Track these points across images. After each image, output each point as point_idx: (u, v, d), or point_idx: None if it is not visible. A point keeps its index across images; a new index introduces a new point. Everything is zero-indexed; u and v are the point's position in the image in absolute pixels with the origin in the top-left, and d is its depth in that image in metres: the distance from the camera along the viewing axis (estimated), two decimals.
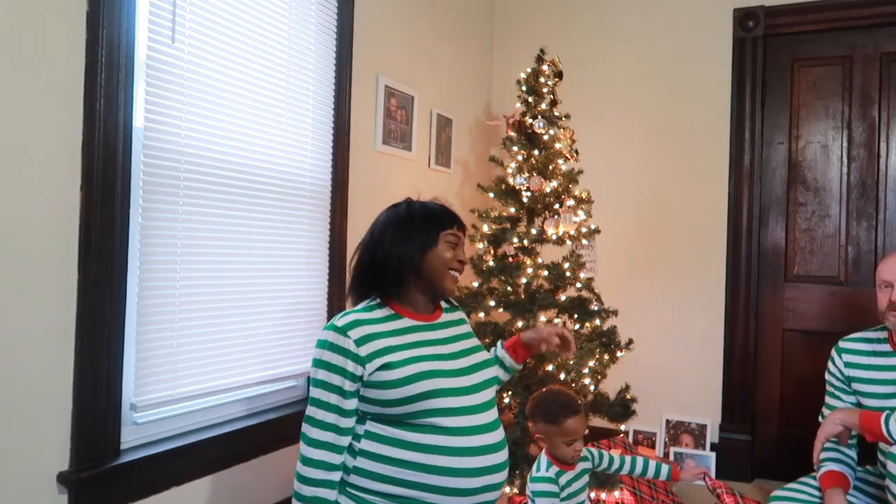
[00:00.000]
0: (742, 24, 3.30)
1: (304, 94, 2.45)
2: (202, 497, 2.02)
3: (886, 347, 2.03)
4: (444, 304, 1.71)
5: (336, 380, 1.45)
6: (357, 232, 2.67)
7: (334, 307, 2.58)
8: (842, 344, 2.14)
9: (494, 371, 1.67)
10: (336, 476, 1.46)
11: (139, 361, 1.85)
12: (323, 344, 1.48)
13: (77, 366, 1.66)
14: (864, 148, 3.16)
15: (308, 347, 2.47)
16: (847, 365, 2.08)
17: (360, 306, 1.57)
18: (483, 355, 1.66)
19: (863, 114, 3.16)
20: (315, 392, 1.47)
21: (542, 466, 1.88)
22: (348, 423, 1.47)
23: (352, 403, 1.46)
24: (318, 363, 1.48)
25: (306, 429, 1.47)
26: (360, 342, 1.46)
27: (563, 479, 1.86)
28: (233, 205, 2.14)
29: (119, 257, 1.76)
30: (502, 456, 1.52)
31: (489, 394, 1.59)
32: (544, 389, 1.96)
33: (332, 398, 1.45)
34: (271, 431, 2.27)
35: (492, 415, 1.55)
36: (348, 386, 1.45)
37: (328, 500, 1.44)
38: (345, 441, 1.46)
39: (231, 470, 2.12)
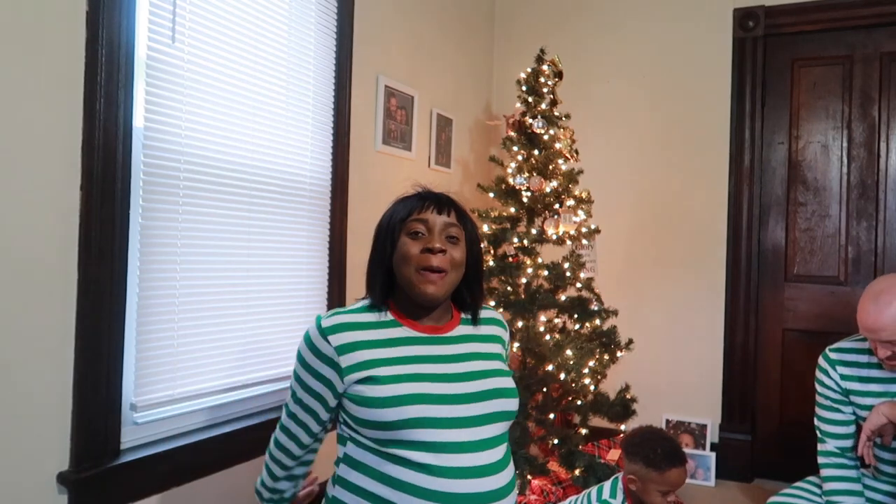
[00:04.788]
0: (742, 23, 3.30)
1: (304, 94, 2.45)
2: (202, 497, 2.02)
3: (877, 359, 2.02)
4: (465, 315, 1.43)
5: (313, 383, 1.30)
6: (357, 232, 2.68)
7: (334, 307, 2.57)
8: (832, 356, 2.07)
9: (512, 404, 1.35)
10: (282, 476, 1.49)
11: (139, 361, 1.85)
12: (306, 339, 1.31)
13: (77, 366, 1.66)
14: (864, 148, 3.16)
15: None
16: (843, 378, 2.03)
17: (354, 305, 1.37)
18: (500, 382, 1.34)
19: (863, 114, 3.16)
20: (293, 385, 1.35)
21: (618, 498, 1.79)
22: (313, 426, 1.36)
23: (323, 413, 1.33)
24: (299, 359, 1.32)
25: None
26: (341, 350, 1.26)
27: None
28: (233, 205, 2.14)
29: (119, 257, 1.75)
30: None
31: (496, 428, 1.30)
32: (647, 428, 1.88)
33: (306, 398, 1.33)
34: (271, 431, 2.25)
35: (495, 454, 1.27)
36: (324, 392, 1.29)
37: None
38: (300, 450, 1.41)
39: (231, 470, 2.11)
